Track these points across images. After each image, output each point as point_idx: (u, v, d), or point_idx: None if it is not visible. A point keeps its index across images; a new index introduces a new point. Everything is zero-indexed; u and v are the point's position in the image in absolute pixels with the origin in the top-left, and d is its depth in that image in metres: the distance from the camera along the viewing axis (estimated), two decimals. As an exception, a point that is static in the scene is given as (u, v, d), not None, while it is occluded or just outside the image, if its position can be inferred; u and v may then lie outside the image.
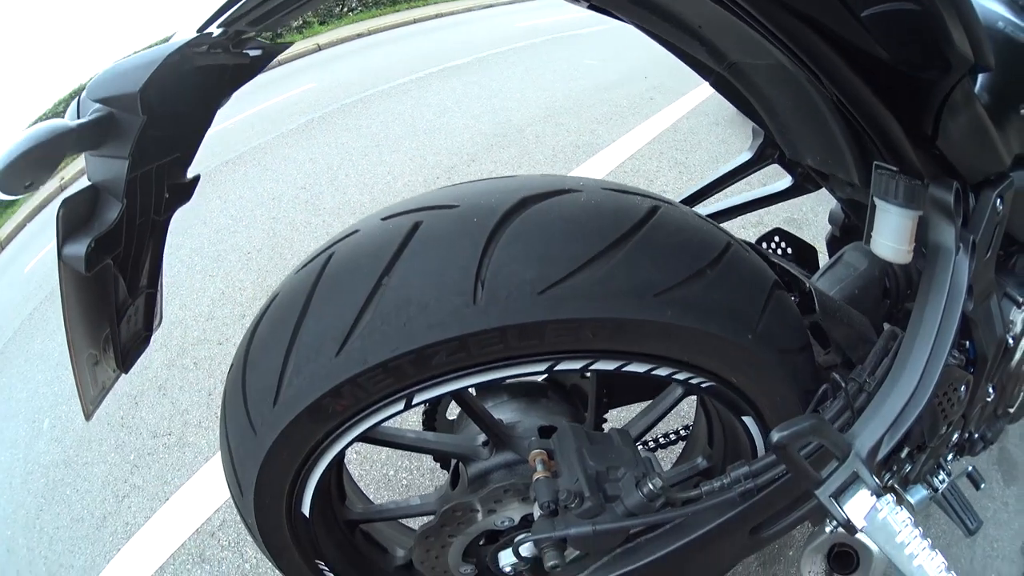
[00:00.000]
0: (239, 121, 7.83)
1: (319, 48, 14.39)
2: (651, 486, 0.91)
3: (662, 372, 0.96)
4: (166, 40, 0.78)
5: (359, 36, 15.34)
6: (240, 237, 4.73)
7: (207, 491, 2.34)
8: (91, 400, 0.88)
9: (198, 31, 0.77)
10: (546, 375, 1.00)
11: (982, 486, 1.42)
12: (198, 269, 4.35)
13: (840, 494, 0.82)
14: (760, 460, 0.94)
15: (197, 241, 4.77)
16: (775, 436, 0.78)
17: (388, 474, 2.31)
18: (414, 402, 0.93)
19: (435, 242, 0.86)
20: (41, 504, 2.90)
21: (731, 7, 0.70)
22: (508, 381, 1.33)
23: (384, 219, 0.93)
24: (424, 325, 0.84)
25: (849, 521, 0.82)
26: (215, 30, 0.78)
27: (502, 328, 0.84)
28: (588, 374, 1.34)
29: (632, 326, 0.87)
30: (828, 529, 1.07)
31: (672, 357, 0.94)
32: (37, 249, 8.15)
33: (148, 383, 3.15)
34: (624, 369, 0.95)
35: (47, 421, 3.56)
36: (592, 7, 0.93)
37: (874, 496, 0.82)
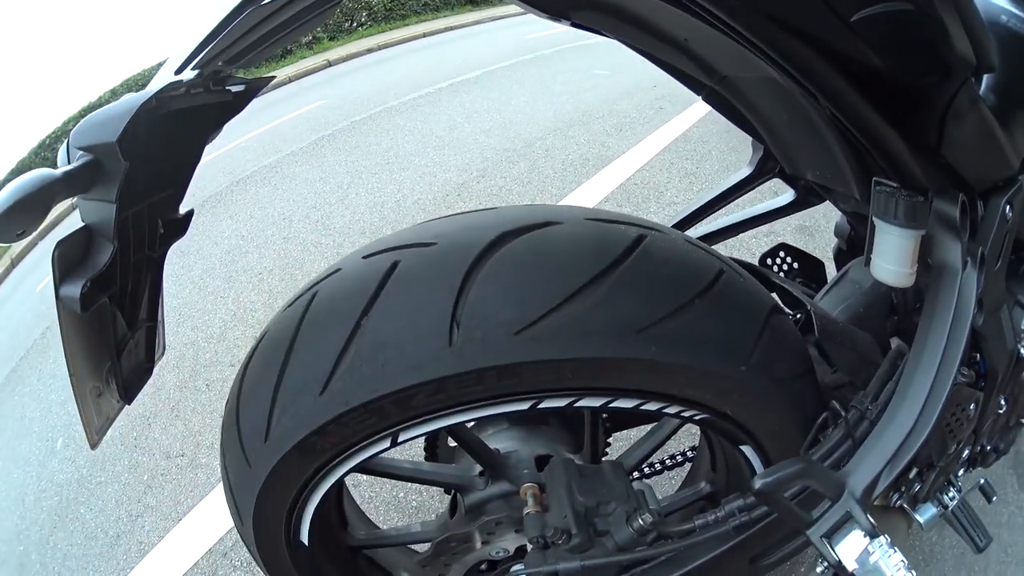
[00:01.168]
0: (249, 140, 7.92)
1: (329, 64, 14.53)
2: (641, 521, 0.90)
3: (651, 407, 0.94)
4: (143, 87, 0.79)
5: (369, 51, 15.48)
6: (251, 258, 4.78)
7: (220, 512, 2.35)
8: (96, 430, 0.89)
9: (176, 73, 0.79)
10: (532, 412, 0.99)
11: (994, 498, 1.39)
12: (209, 290, 4.40)
13: (832, 534, 0.79)
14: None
15: (208, 262, 4.83)
16: (757, 483, 0.75)
17: (398, 496, 2.31)
18: (399, 440, 0.94)
19: (412, 282, 0.87)
20: (55, 521, 2.93)
21: (712, 21, 0.68)
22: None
23: (365, 257, 0.93)
24: (401, 368, 0.83)
25: (840, 563, 0.79)
26: (190, 73, 0.79)
27: (479, 370, 0.83)
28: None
29: (613, 364, 0.85)
30: (819, 570, 1.04)
31: (660, 392, 0.92)
32: (49, 269, 8.26)
33: (161, 404, 3.19)
34: (610, 406, 0.93)
35: (60, 440, 3.61)
36: (575, 24, 0.92)
37: (867, 537, 0.78)
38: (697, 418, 0.98)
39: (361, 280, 0.88)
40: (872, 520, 0.78)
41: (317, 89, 11.06)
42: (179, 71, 0.79)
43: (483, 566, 1.27)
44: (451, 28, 17.22)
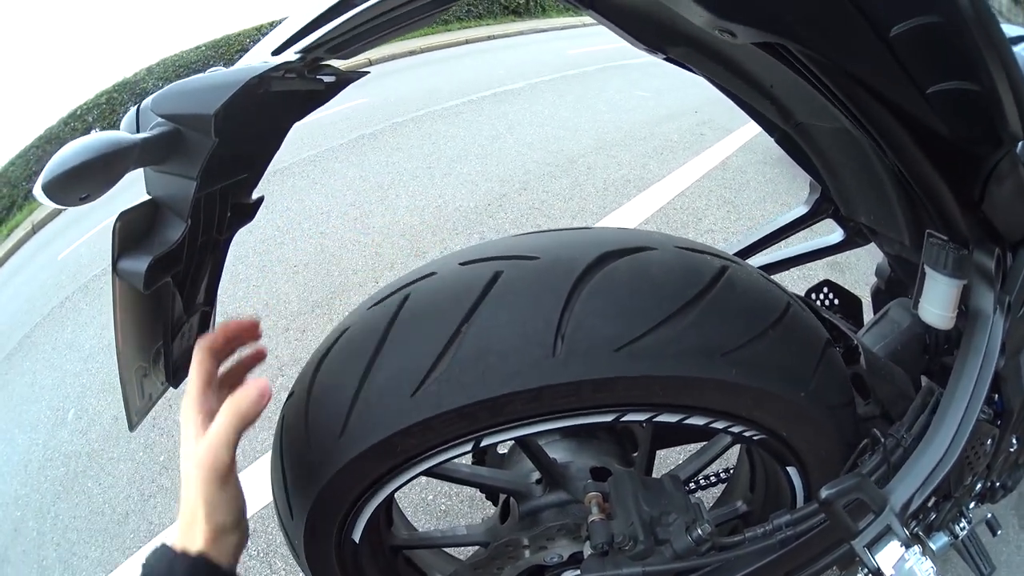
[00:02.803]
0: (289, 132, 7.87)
1: (370, 63, 14.45)
2: (700, 531, 0.94)
3: (719, 425, 0.99)
4: (216, 52, 0.78)
5: (411, 53, 15.37)
6: (287, 250, 4.75)
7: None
8: (137, 411, 0.88)
9: (273, 54, 0.79)
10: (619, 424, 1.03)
11: (999, 532, 1.45)
12: (242, 279, 4.38)
13: (873, 544, 0.86)
14: (801, 510, 0.97)
15: (242, 250, 4.78)
16: (823, 493, 0.83)
17: (427, 499, 2.34)
18: (482, 444, 0.96)
19: (516, 293, 0.88)
20: (58, 491, 2.92)
21: (805, 74, 0.73)
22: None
23: (462, 264, 0.94)
24: (503, 375, 0.85)
25: (879, 569, 0.86)
26: (292, 55, 0.78)
27: (579, 382, 0.85)
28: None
29: (698, 384, 0.89)
30: (859, 577, 1.10)
31: (730, 412, 0.97)
32: (72, 238, 8.22)
33: (185, 387, 3.08)
34: (684, 422, 0.98)
35: (72, 411, 3.60)
36: (669, 59, 0.96)
37: (903, 547, 0.86)
38: (756, 438, 1.02)
39: (462, 286, 0.90)
40: (908, 532, 0.86)
41: (359, 87, 10.59)
42: (276, 52, 0.78)
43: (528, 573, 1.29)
44: (493, 37, 17.12)
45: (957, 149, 0.82)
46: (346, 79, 0.92)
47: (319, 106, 0.91)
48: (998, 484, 1.36)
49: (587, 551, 1.01)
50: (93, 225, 7.90)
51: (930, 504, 1.19)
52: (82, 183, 0.59)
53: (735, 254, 1.53)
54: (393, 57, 14.97)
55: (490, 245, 0.99)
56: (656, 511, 0.99)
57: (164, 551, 0.79)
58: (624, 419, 0.95)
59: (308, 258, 4.55)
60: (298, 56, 0.78)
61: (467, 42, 16.58)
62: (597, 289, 0.87)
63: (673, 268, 0.93)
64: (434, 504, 2.32)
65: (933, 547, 1.29)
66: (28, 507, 2.94)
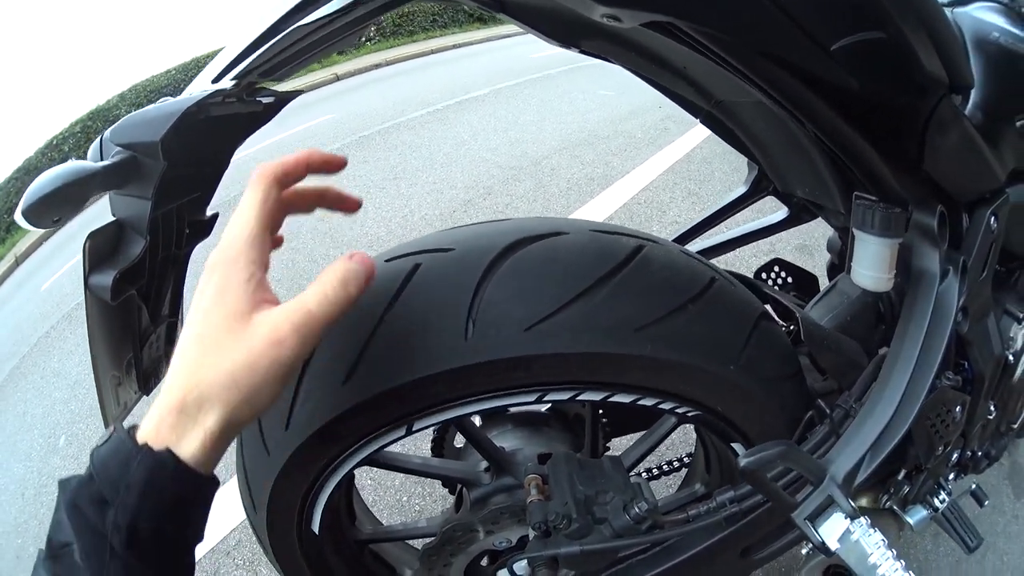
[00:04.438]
0: (258, 151, 7.87)
1: (337, 78, 14.52)
2: (638, 509, 0.94)
3: (647, 402, 0.99)
4: (185, 75, 0.83)
5: (377, 67, 15.47)
6: (259, 267, 4.72)
7: (223, 511, 2.36)
8: (113, 418, 0.92)
9: (212, 82, 0.82)
10: (545, 405, 1.03)
11: (986, 503, 1.42)
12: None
13: (816, 517, 0.84)
14: (744, 485, 0.96)
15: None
16: (742, 462, 0.80)
17: (401, 500, 2.35)
18: (415, 428, 0.97)
19: (432, 282, 0.90)
20: None
21: (705, 53, 0.73)
22: (512, 411, 1.37)
23: (387, 260, 0.96)
24: (421, 358, 0.87)
25: (824, 543, 0.84)
26: (228, 82, 0.82)
27: (492, 362, 0.87)
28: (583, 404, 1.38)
29: (614, 359, 0.90)
30: (804, 551, 1.09)
31: (655, 388, 0.97)
32: (54, 268, 8.34)
33: None
34: (611, 399, 0.98)
35: (63, 438, 3.64)
36: (584, 52, 0.96)
37: (848, 519, 0.84)
38: (691, 415, 1.02)
39: (384, 280, 0.91)
40: (853, 504, 0.84)
41: (325, 103, 11.10)
42: (216, 80, 0.82)
43: (484, 560, 1.32)
44: (458, 45, 17.25)
45: (878, 105, 0.80)
46: (283, 99, 0.97)
47: (261, 126, 0.96)
48: (980, 454, 1.35)
49: (531, 534, 1.01)
50: (72, 255, 7.93)
51: (900, 476, 1.18)
52: (54, 208, 0.68)
53: (674, 239, 1.56)
54: (359, 71, 15.04)
55: (415, 242, 1.01)
56: (592, 490, 0.98)
57: (120, 443, 0.61)
58: (547, 398, 0.96)
59: (280, 274, 4.54)
60: (233, 82, 0.82)
61: (432, 52, 16.72)
62: (508, 273, 0.89)
63: (586, 250, 0.94)
64: (408, 504, 2.33)
65: (911, 520, 1.27)
66: (27, 534, 2.97)
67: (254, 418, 0.66)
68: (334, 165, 0.81)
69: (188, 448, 0.60)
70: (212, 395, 0.61)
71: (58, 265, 8.33)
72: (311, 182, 0.82)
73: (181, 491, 0.60)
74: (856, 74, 0.74)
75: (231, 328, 0.63)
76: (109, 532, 0.57)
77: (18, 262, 11.62)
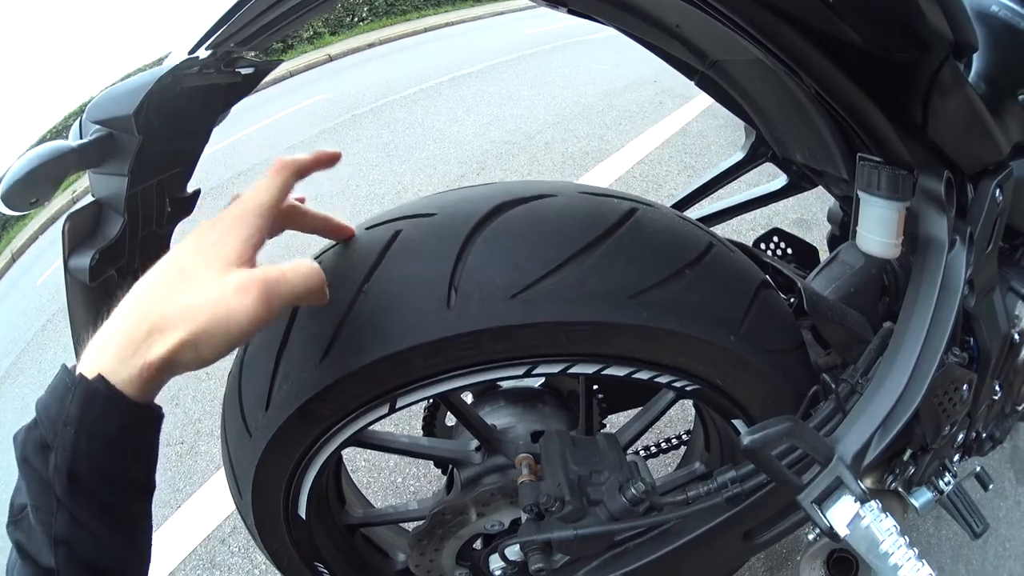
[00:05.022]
0: (250, 133, 7.89)
1: (330, 58, 14.47)
2: (634, 491, 0.90)
3: (643, 375, 0.95)
4: (159, 62, 0.80)
5: (370, 46, 15.42)
6: (252, 248, 4.74)
7: (218, 498, 2.36)
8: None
9: (189, 53, 0.79)
10: (535, 379, 1.00)
11: (991, 487, 1.39)
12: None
13: (823, 500, 0.80)
14: (747, 464, 0.92)
15: None
16: (746, 439, 0.76)
17: (396, 481, 2.33)
18: (398, 406, 0.94)
19: (413, 250, 0.87)
20: None
21: (701, 5, 0.70)
22: (504, 388, 1.34)
23: (368, 228, 0.93)
24: (401, 330, 0.84)
25: (832, 528, 0.79)
26: (204, 52, 0.80)
27: (476, 332, 0.83)
28: (577, 379, 1.35)
29: (606, 328, 0.86)
30: (811, 536, 1.05)
31: (651, 360, 0.93)
32: (49, 262, 8.28)
33: (161, 393, 3.10)
34: (604, 372, 0.94)
35: None
36: (572, 12, 0.93)
37: (858, 503, 0.79)
38: (689, 389, 0.98)
39: (364, 249, 0.89)
40: (863, 486, 0.79)
41: (318, 83, 11.05)
42: (192, 51, 0.79)
43: (477, 543, 1.28)
44: (451, 24, 17.18)
45: (880, 61, 0.76)
46: (263, 69, 0.94)
47: (241, 98, 0.93)
48: (984, 435, 1.32)
49: (524, 517, 0.99)
50: (68, 249, 7.95)
51: (906, 456, 1.15)
52: (30, 189, 0.67)
53: (672, 206, 1.49)
54: (352, 51, 15.03)
55: (396, 208, 0.98)
56: (586, 470, 0.96)
57: (59, 380, 0.60)
58: (537, 371, 0.92)
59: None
60: (209, 52, 0.80)
61: (425, 30, 16.65)
62: (491, 238, 0.86)
63: (574, 213, 0.90)
64: (403, 486, 2.31)
65: (916, 503, 1.24)
66: None
67: (194, 366, 0.63)
68: (334, 160, 0.84)
69: (124, 373, 0.58)
70: (166, 326, 0.60)
71: (52, 258, 8.22)
72: (315, 208, 0.88)
73: (117, 421, 0.58)
74: (857, 26, 0.70)
75: (211, 271, 0.63)
76: (52, 479, 0.56)
77: (14, 258, 11.65)
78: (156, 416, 0.63)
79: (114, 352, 0.59)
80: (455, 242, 0.85)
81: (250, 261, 0.66)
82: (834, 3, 0.66)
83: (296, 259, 0.70)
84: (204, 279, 0.62)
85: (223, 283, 0.62)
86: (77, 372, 0.58)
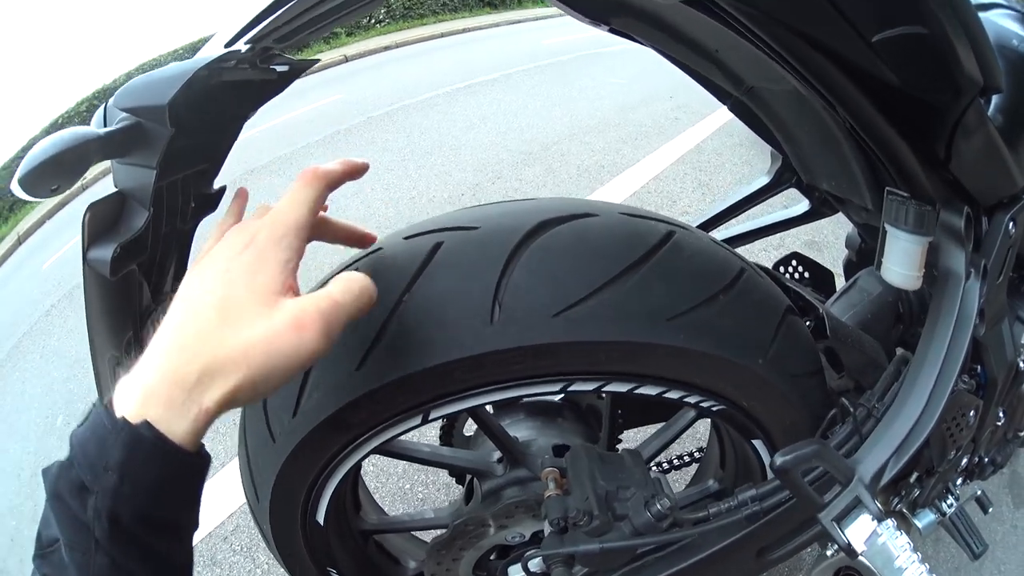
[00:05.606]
0: (265, 130, 7.85)
1: (346, 59, 14.46)
2: (659, 507, 0.91)
3: (673, 395, 0.97)
4: (194, 54, 0.80)
5: (386, 49, 15.42)
6: (262, 248, 4.72)
7: (221, 496, 2.35)
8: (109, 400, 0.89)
9: (225, 46, 0.78)
10: (561, 395, 1.01)
11: (990, 510, 1.41)
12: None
13: (842, 518, 0.82)
14: (767, 483, 0.94)
15: None
16: (778, 460, 0.78)
17: (404, 487, 2.32)
18: (431, 417, 0.94)
19: (455, 263, 0.86)
20: None
21: (744, 34, 0.70)
22: (525, 400, 1.35)
23: (406, 238, 0.93)
24: (442, 343, 0.83)
25: (850, 545, 0.82)
26: (242, 46, 0.78)
27: (518, 348, 0.83)
28: (603, 395, 1.35)
29: (644, 349, 0.87)
30: (829, 553, 1.07)
31: (683, 380, 0.94)
32: (56, 247, 8.23)
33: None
34: (636, 392, 0.95)
35: (61, 418, 3.60)
36: (612, 30, 0.94)
37: (875, 521, 0.82)
38: (715, 409, 1.00)
39: (404, 259, 0.88)
40: (879, 505, 0.82)
41: (334, 84, 10.98)
42: (229, 44, 0.79)
43: (493, 554, 1.28)
44: (468, 30, 17.18)
45: (913, 101, 0.78)
46: (298, 68, 0.92)
47: (273, 96, 0.91)
48: (986, 460, 1.34)
49: (547, 529, 0.99)
50: (75, 234, 7.84)
51: (912, 479, 1.17)
52: (51, 175, 0.64)
53: (697, 227, 1.50)
54: (368, 53, 15.00)
55: (436, 219, 0.98)
56: (613, 485, 0.96)
57: (97, 420, 0.56)
58: (572, 388, 0.93)
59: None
60: (248, 47, 0.79)
61: (442, 35, 16.66)
62: (536, 255, 0.86)
63: (615, 233, 0.91)
64: (411, 493, 2.31)
65: (919, 524, 1.26)
66: (23, 516, 2.93)
67: (253, 402, 0.64)
68: (362, 171, 0.81)
69: (175, 421, 0.55)
70: (219, 369, 0.57)
71: (60, 244, 8.23)
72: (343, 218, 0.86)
73: (164, 470, 0.55)
74: (895, 67, 0.72)
75: (257, 304, 0.60)
76: (91, 522, 0.53)
77: (20, 241, 11.53)
78: (206, 462, 0.61)
79: (162, 399, 0.55)
80: (499, 257, 0.85)
81: (293, 287, 0.65)
82: (875, 43, 0.68)
83: (341, 276, 0.69)
84: (252, 314, 0.60)
85: (274, 318, 0.60)
86: (119, 415, 0.55)
